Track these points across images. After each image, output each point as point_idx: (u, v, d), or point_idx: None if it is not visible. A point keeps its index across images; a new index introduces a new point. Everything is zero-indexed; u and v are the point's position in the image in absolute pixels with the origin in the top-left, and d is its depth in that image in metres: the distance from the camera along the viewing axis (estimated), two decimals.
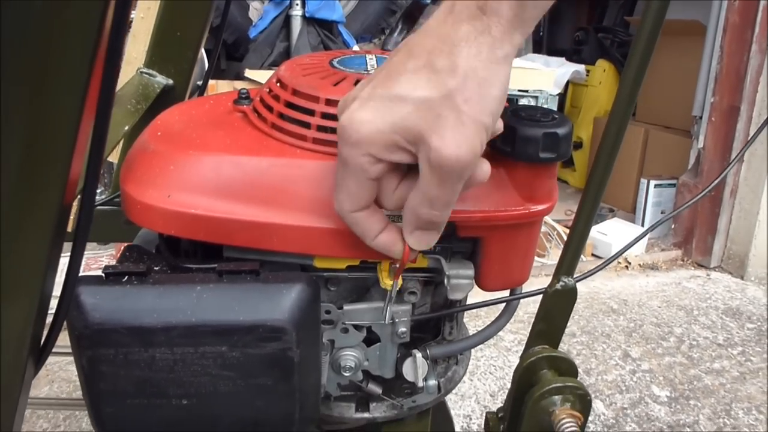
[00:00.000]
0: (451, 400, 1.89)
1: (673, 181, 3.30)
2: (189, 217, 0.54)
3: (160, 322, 0.51)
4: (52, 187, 0.44)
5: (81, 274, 0.51)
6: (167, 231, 0.56)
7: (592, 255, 3.05)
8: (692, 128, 3.21)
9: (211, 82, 2.37)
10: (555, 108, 3.06)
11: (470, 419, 1.85)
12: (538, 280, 2.51)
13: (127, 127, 0.97)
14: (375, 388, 0.69)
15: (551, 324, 0.67)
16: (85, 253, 0.49)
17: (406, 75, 0.45)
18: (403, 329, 0.64)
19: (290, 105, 0.58)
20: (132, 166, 0.59)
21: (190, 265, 0.57)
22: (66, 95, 0.41)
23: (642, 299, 2.70)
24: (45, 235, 0.46)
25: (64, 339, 0.51)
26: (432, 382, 0.69)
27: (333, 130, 0.56)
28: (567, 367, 0.67)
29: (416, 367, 0.66)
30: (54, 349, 0.52)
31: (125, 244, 0.63)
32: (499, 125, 0.52)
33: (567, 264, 0.66)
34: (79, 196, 0.48)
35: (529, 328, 0.69)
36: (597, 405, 1.94)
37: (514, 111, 0.56)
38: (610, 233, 3.07)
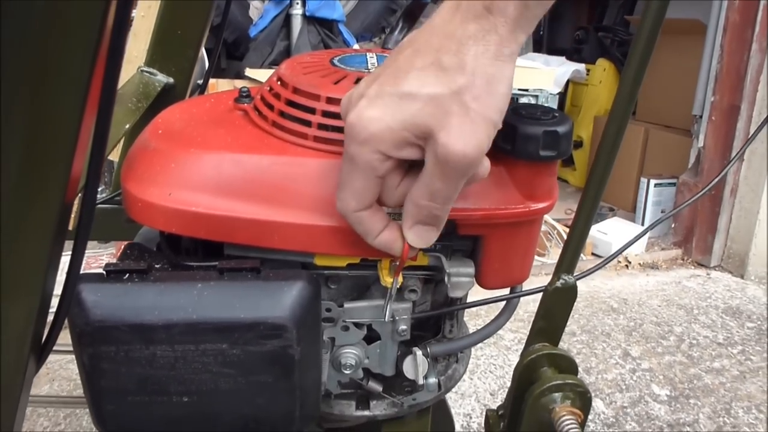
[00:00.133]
0: (451, 398, 1.89)
1: (674, 181, 3.30)
2: (190, 215, 0.54)
3: (161, 320, 0.51)
4: (54, 186, 0.44)
5: (82, 272, 0.51)
6: (168, 229, 0.56)
7: (593, 254, 3.05)
8: (692, 127, 3.21)
9: (211, 81, 2.37)
10: (555, 107, 3.06)
11: (470, 418, 1.85)
12: (539, 279, 2.51)
13: (128, 126, 0.97)
14: (375, 386, 0.69)
15: (551, 322, 0.67)
16: (86, 251, 0.49)
17: (414, 72, 0.46)
18: (404, 327, 0.64)
19: (291, 103, 0.59)
20: (133, 164, 0.59)
21: (191, 262, 0.57)
22: (67, 94, 0.41)
23: (642, 298, 2.70)
24: (46, 233, 0.46)
25: (64, 337, 0.51)
26: (432, 380, 0.69)
27: (334, 129, 0.57)
28: (567, 365, 0.67)
29: (417, 365, 0.66)
30: (55, 348, 0.52)
31: (126, 243, 0.63)
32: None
33: (567, 262, 0.66)
34: (80, 195, 0.48)
35: (530, 327, 0.69)
36: (597, 404, 1.94)
37: (515, 109, 0.56)
38: (610, 232, 3.07)
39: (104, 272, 0.53)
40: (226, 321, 0.52)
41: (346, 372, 0.65)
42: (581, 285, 0.67)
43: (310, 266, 0.60)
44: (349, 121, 0.47)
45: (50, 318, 0.50)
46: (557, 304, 0.66)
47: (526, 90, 2.99)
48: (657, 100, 3.65)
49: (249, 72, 2.59)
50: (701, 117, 3.10)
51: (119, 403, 0.55)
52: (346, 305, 0.63)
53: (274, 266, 0.56)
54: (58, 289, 0.49)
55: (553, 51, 4.41)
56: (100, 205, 1.04)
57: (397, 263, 0.56)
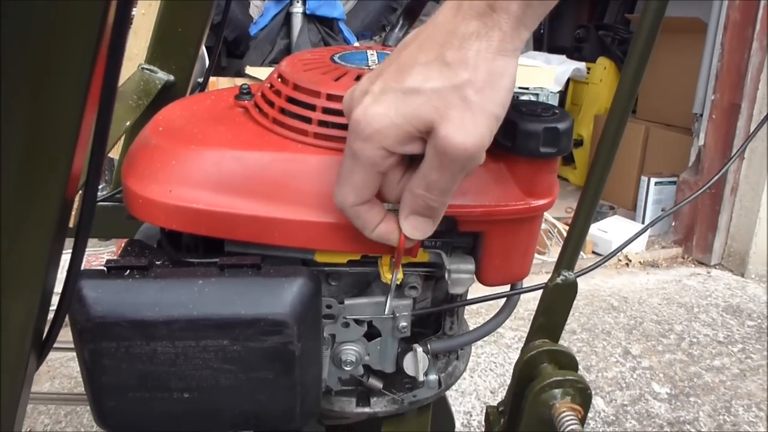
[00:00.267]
0: (451, 396, 1.89)
1: (674, 179, 3.30)
2: (191, 212, 0.55)
3: (162, 316, 0.51)
4: (54, 183, 0.44)
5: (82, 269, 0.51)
6: (169, 225, 0.56)
7: (593, 252, 3.06)
8: (693, 126, 3.21)
9: (211, 79, 2.38)
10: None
11: (471, 416, 1.85)
12: (539, 277, 2.51)
13: (128, 123, 0.97)
14: (376, 383, 0.69)
15: (551, 318, 0.67)
16: (86, 249, 0.49)
17: (418, 68, 0.46)
18: (404, 324, 0.64)
19: (291, 100, 0.59)
20: (134, 161, 0.59)
21: (192, 259, 0.57)
22: (68, 91, 0.41)
23: (642, 296, 2.70)
24: (47, 230, 0.46)
25: (65, 335, 0.52)
26: (433, 377, 0.69)
27: (334, 125, 0.57)
28: (567, 361, 0.67)
29: (417, 362, 0.66)
30: (55, 345, 0.52)
31: (127, 240, 0.63)
32: None
33: (567, 258, 0.66)
34: (80, 192, 0.48)
35: (529, 325, 0.69)
36: (597, 402, 1.94)
37: (515, 106, 0.56)
38: (610, 231, 3.08)
39: (105, 269, 0.53)
40: (227, 317, 0.52)
41: (347, 369, 0.65)
42: (581, 283, 0.67)
43: (311, 263, 0.60)
44: (354, 118, 0.47)
45: (51, 316, 0.51)
46: (557, 301, 0.66)
47: (527, 88, 2.99)
48: (657, 98, 3.65)
49: (249, 70, 2.60)
50: (702, 115, 3.10)
51: (120, 399, 0.55)
52: (347, 302, 0.63)
53: (275, 263, 0.56)
54: (58, 287, 0.49)
55: (553, 49, 4.41)
56: (100, 203, 1.04)
57: (395, 264, 0.56)
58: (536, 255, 2.52)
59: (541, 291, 0.67)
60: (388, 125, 0.46)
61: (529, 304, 2.20)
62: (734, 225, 3.06)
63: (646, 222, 3.31)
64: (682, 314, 2.56)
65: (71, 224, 0.48)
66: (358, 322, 0.64)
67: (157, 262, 0.56)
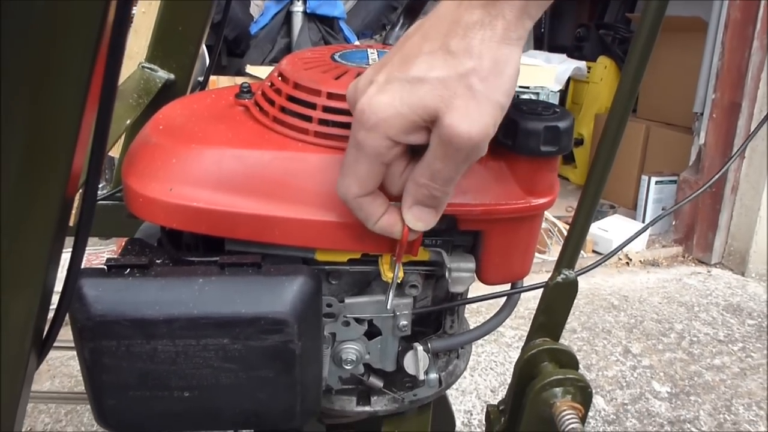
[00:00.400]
0: (452, 395, 1.89)
1: (674, 178, 3.30)
2: (191, 210, 0.54)
3: (162, 315, 0.51)
4: (55, 182, 0.44)
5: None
6: (169, 224, 0.56)
7: (593, 251, 3.05)
8: (693, 125, 3.20)
9: (212, 78, 2.38)
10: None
11: (471, 414, 1.85)
12: (539, 276, 2.51)
13: (128, 122, 0.97)
14: (376, 382, 0.69)
15: (552, 317, 0.67)
16: (87, 248, 0.49)
17: (422, 57, 0.46)
18: (405, 322, 0.64)
19: (292, 98, 0.59)
20: (134, 160, 0.59)
21: (192, 258, 0.57)
22: (68, 90, 0.41)
23: (643, 295, 2.70)
24: (47, 228, 0.46)
25: (65, 334, 0.52)
26: (433, 376, 0.69)
27: (335, 124, 0.57)
28: (568, 360, 0.67)
29: (417, 361, 0.66)
30: (55, 344, 0.52)
31: (127, 239, 0.63)
32: None
33: (568, 257, 0.66)
34: (81, 190, 0.48)
35: (530, 324, 0.69)
36: (598, 401, 1.94)
37: (516, 105, 0.56)
38: (611, 230, 3.07)
39: (105, 267, 0.53)
40: (227, 316, 0.52)
41: (347, 367, 0.65)
42: (582, 282, 0.67)
43: (311, 261, 0.60)
44: (359, 108, 0.47)
45: (51, 314, 0.51)
46: (558, 299, 0.66)
47: (528, 87, 2.99)
48: (658, 97, 3.64)
49: (250, 69, 2.60)
50: (702, 114, 3.10)
51: (120, 398, 0.55)
52: (347, 300, 0.63)
53: (275, 261, 0.56)
54: (58, 286, 0.49)
55: (554, 48, 4.41)
56: (100, 202, 1.04)
57: (396, 257, 0.56)
58: (536, 254, 2.52)
59: (541, 290, 0.67)
60: (393, 114, 0.46)
61: (529, 303, 2.20)
62: (735, 224, 3.05)
63: (647, 221, 3.30)
64: (682, 313, 2.56)
65: (71, 223, 0.48)
66: (358, 320, 0.64)
67: (157, 261, 0.56)
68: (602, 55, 4.00)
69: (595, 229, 3.07)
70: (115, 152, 1.38)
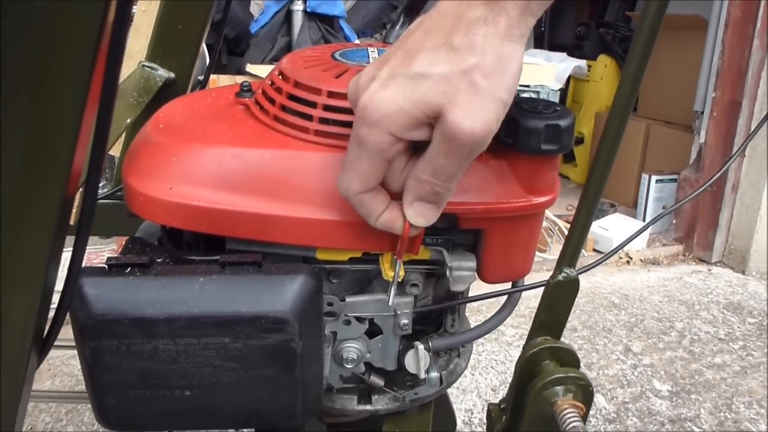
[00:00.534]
0: (452, 394, 1.89)
1: (675, 177, 3.29)
2: (191, 209, 0.54)
3: (163, 314, 0.51)
4: (55, 181, 0.44)
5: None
6: (169, 223, 0.56)
7: (594, 250, 3.05)
8: (694, 123, 3.20)
9: (212, 77, 2.37)
10: None
11: (472, 413, 1.85)
12: (540, 274, 2.51)
13: (129, 120, 0.97)
14: (377, 381, 0.69)
15: (553, 315, 0.67)
16: (87, 247, 0.49)
17: (425, 53, 0.46)
18: (406, 321, 0.64)
19: (292, 97, 0.59)
20: (134, 159, 0.59)
21: (193, 257, 0.57)
22: (69, 89, 0.41)
23: (643, 294, 2.70)
24: (48, 227, 0.46)
25: (66, 333, 0.51)
26: (434, 375, 0.69)
27: (335, 122, 0.57)
28: (569, 358, 0.67)
29: (418, 359, 0.66)
30: (56, 343, 0.52)
31: (127, 238, 0.63)
32: None
33: (569, 255, 0.66)
34: (81, 189, 0.48)
35: (531, 323, 0.69)
36: (598, 399, 1.94)
37: (517, 103, 0.56)
38: (611, 228, 3.07)
39: (106, 266, 0.53)
40: (228, 315, 0.52)
41: (348, 366, 0.65)
42: (582, 281, 0.67)
43: (312, 260, 0.60)
44: (361, 104, 0.47)
45: (52, 314, 0.51)
46: (559, 298, 0.66)
47: (528, 86, 2.99)
48: (658, 96, 3.64)
49: (250, 68, 2.60)
50: (702, 113, 3.09)
51: (121, 397, 0.55)
52: (348, 299, 0.63)
53: (276, 260, 0.56)
54: (59, 285, 0.49)
55: (554, 47, 4.41)
56: (101, 201, 1.04)
57: (397, 254, 0.56)
58: (537, 253, 2.52)
59: (542, 289, 0.67)
60: (396, 110, 0.46)
61: (530, 301, 2.20)
62: (735, 223, 3.05)
63: (647, 220, 3.30)
64: (683, 312, 2.55)
65: (72, 222, 0.48)
66: (359, 319, 0.64)
67: (158, 260, 0.56)
68: (602, 54, 4.00)
69: (596, 227, 3.07)
70: (115, 151, 1.38)
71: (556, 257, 0.67)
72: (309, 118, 0.57)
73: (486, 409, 0.76)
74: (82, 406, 1.74)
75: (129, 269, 0.53)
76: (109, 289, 0.52)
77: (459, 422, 1.79)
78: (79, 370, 0.54)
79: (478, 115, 0.45)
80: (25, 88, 0.39)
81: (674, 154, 3.41)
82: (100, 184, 0.61)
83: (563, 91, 3.99)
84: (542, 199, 0.58)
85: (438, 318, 0.71)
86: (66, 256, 0.48)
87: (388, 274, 0.59)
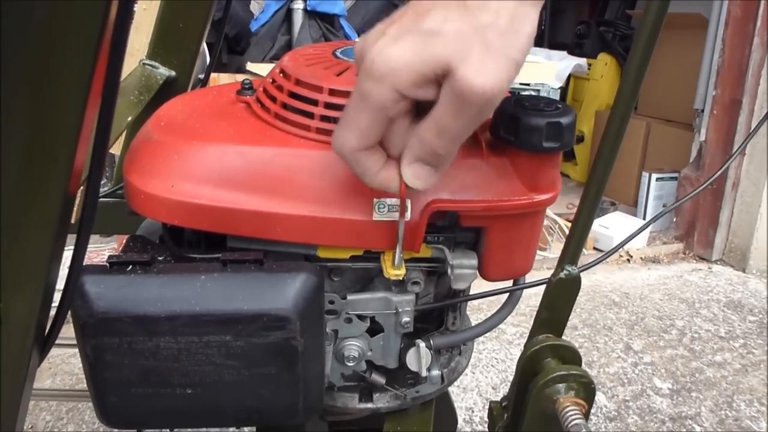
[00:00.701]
0: (453, 392, 1.89)
1: (675, 175, 3.29)
2: (192, 207, 0.54)
3: (165, 311, 0.51)
4: (57, 179, 0.44)
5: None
6: (171, 221, 0.56)
7: (594, 249, 3.05)
8: (694, 121, 3.20)
9: (212, 75, 2.37)
10: None
11: (472, 411, 1.85)
12: (540, 273, 2.51)
13: (130, 118, 0.97)
14: (378, 379, 0.69)
15: (555, 313, 0.67)
16: (88, 245, 0.49)
17: (437, 9, 0.45)
18: (407, 319, 0.64)
19: (293, 95, 0.59)
20: (135, 157, 0.59)
21: (194, 254, 0.57)
22: (70, 87, 0.41)
23: (644, 292, 2.70)
24: (49, 225, 0.46)
25: (67, 331, 0.51)
26: (435, 373, 0.69)
27: (336, 120, 0.56)
28: (571, 356, 0.67)
29: (420, 358, 0.66)
30: (57, 342, 0.52)
31: (129, 236, 0.63)
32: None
33: (571, 253, 0.66)
34: (82, 188, 0.48)
35: (531, 321, 0.69)
36: (599, 397, 1.94)
37: (518, 101, 0.56)
38: (611, 227, 3.07)
39: (107, 264, 0.53)
40: (230, 313, 0.52)
41: (350, 364, 0.65)
42: (583, 279, 0.67)
43: (314, 258, 0.60)
44: (368, 58, 0.45)
45: (53, 312, 0.51)
46: (561, 295, 0.66)
47: (528, 84, 2.98)
48: (658, 94, 3.64)
49: (250, 66, 2.59)
50: (703, 111, 3.09)
51: (122, 395, 0.55)
52: (350, 297, 0.63)
53: (278, 258, 0.56)
54: (60, 283, 0.49)
55: (554, 45, 4.40)
56: (102, 199, 1.04)
57: (399, 254, 0.56)
58: (538, 251, 2.52)
59: (542, 287, 0.67)
60: (404, 65, 0.44)
61: (530, 300, 2.20)
62: (735, 221, 3.05)
63: (648, 218, 3.30)
64: (683, 310, 2.55)
65: (73, 220, 0.48)
66: (360, 317, 0.64)
67: (159, 258, 0.56)
68: (603, 52, 4.00)
69: (596, 226, 3.07)
70: (115, 149, 1.38)
71: (557, 255, 0.67)
72: (310, 115, 0.57)
73: (488, 406, 0.76)
74: (83, 404, 1.74)
75: (130, 267, 0.53)
76: (111, 287, 0.52)
77: (460, 420, 1.79)
78: (80, 368, 0.54)
79: (490, 74, 0.44)
80: (26, 86, 0.39)
81: (674, 152, 3.41)
82: (101, 182, 0.61)
83: (563, 90, 3.99)
84: (543, 196, 0.58)
85: (439, 316, 0.71)
86: (67, 254, 0.48)
87: (389, 272, 0.59)
